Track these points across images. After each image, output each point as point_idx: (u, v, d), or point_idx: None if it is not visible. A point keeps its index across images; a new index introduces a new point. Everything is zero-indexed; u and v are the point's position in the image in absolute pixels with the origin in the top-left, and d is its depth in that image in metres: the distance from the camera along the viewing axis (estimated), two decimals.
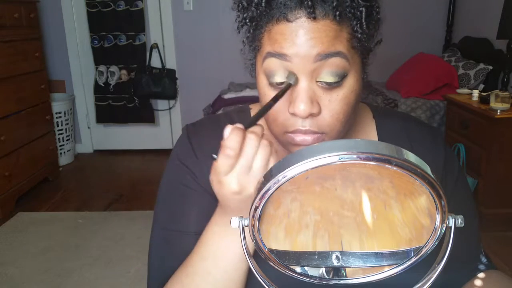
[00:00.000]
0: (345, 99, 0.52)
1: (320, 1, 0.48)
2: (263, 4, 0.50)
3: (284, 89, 0.50)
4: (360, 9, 0.50)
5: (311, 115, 0.51)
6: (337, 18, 0.48)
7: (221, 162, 0.45)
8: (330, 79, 0.50)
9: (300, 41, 0.48)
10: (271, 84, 0.52)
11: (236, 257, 0.53)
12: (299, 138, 0.53)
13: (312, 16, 0.48)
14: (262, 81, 0.54)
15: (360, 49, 0.52)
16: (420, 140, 0.67)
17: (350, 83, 0.52)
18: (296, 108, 0.50)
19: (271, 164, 0.47)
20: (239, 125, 0.46)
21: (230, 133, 0.45)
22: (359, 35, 0.50)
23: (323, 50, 0.48)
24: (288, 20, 0.48)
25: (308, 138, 0.53)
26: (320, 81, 0.50)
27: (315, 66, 0.49)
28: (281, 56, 0.50)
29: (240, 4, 0.53)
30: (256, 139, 0.46)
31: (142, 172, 3.40)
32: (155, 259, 0.65)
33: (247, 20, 0.52)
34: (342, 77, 0.51)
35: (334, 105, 0.52)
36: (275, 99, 0.50)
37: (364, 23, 0.50)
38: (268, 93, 0.53)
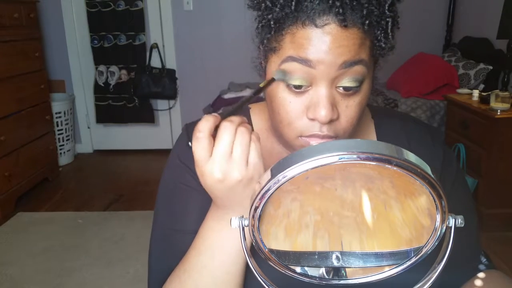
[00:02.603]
0: (359, 104, 0.53)
1: (350, 9, 0.47)
2: (292, 6, 0.48)
3: (267, 83, 0.51)
4: (387, 19, 0.50)
5: (331, 121, 0.51)
6: (366, 27, 0.48)
7: (195, 147, 0.46)
8: (350, 85, 0.50)
9: (328, 48, 0.48)
10: (288, 87, 0.52)
11: (233, 251, 0.53)
12: (315, 142, 0.53)
13: (344, 24, 0.47)
14: (277, 83, 0.53)
15: (377, 56, 0.52)
16: (419, 139, 0.67)
17: (365, 89, 0.53)
18: (318, 114, 0.50)
19: (253, 151, 0.47)
20: (214, 114, 0.47)
21: (201, 119, 0.46)
22: (383, 44, 0.50)
23: (349, 58, 0.48)
24: (315, 25, 0.48)
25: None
26: (339, 87, 0.51)
27: (338, 74, 0.49)
28: (304, 61, 0.49)
29: (263, 4, 0.52)
30: (230, 125, 0.46)
31: (142, 172, 3.40)
32: (155, 258, 0.65)
33: (271, 22, 0.51)
34: (360, 83, 0.51)
35: (350, 110, 0.52)
36: (257, 92, 0.50)
37: (389, 33, 0.51)
38: (283, 95, 0.53)
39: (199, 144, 0.46)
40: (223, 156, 0.46)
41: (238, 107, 0.49)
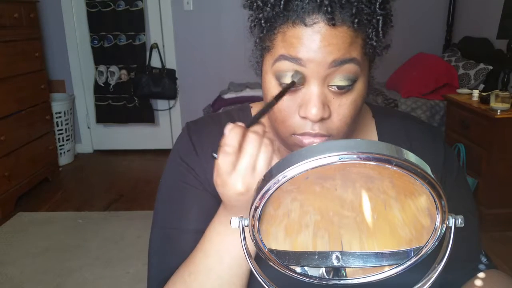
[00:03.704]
0: (353, 103, 0.53)
1: (339, 8, 0.47)
2: (281, 6, 0.49)
3: (287, 87, 0.50)
4: (378, 17, 0.50)
5: (322, 119, 0.51)
6: (355, 25, 0.48)
7: (221, 160, 0.46)
8: (342, 83, 0.50)
9: (317, 47, 0.48)
10: (281, 85, 0.52)
11: (240, 254, 0.54)
12: (307, 140, 0.53)
13: (332, 22, 0.47)
14: (271, 81, 0.53)
15: (371, 54, 0.52)
16: (420, 139, 0.67)
17: (359, 88, 0.52)
18: (308, 112, 0.50)
19: (274, 163, 0.47)
20: (240, 124, 0.46)
21: (230, 131, 0.46)
22: (374, 43, 0.50)
23: (339, 56, 0.48)
24: (305, 24, 0.48)
25: (317, 140, 0.53)
26: (332, 86, 0.51)
27: (329, 72, 0.49)
28: (295, 60, 0.49)
29: (254, 4, 0.52)
30: (257, 138, 0.46)
31: (142, 172, 3.40)
32: (154, 257, 0.65)
33: (262, 21, 0.51)
34: (353, 82, 0.51)
35: (343, 109, 0.52)
36: (278, 97, 0.50)
37: (380, 31, 0.50)
38: (276, 93, 0.52)
39: (226, 158, 0.46)
40: (248, 169, 0.46)
41: (261, 114, 0.48)
